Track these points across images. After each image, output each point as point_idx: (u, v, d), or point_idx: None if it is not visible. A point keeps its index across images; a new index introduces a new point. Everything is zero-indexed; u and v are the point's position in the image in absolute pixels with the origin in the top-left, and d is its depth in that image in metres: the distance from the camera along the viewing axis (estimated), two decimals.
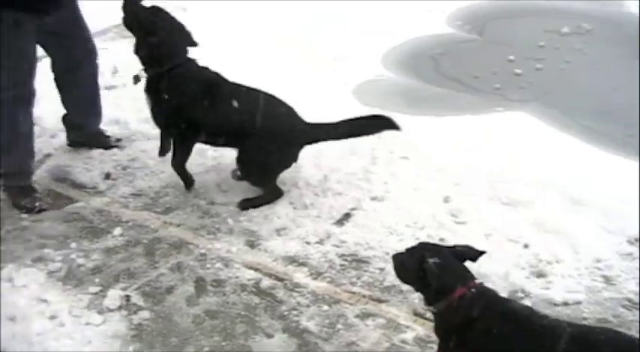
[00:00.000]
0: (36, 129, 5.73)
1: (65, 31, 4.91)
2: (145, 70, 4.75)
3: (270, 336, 3.69)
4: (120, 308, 3.89)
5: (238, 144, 4.71)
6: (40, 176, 5.17)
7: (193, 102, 4.66)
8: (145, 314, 3.85)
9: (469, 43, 7.69)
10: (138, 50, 4.74)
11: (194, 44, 4.76)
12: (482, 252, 3.09)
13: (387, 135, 5.05)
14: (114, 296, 3.95)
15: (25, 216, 4.74)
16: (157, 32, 4.62)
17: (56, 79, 5.21)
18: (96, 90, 5.38)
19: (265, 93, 4.74)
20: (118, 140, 5.53)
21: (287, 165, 4.78)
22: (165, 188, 4.99)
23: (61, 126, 5.55)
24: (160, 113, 4.82)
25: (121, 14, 4.71)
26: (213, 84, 4.71)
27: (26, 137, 4.85)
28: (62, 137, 5.64)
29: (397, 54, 7.16)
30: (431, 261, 2.95)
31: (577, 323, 3.24)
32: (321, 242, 4.39)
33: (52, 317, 3.80)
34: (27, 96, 4.73)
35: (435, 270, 2.94)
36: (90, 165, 5.24)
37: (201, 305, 3.91)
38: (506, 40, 7.62)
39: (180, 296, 3.95)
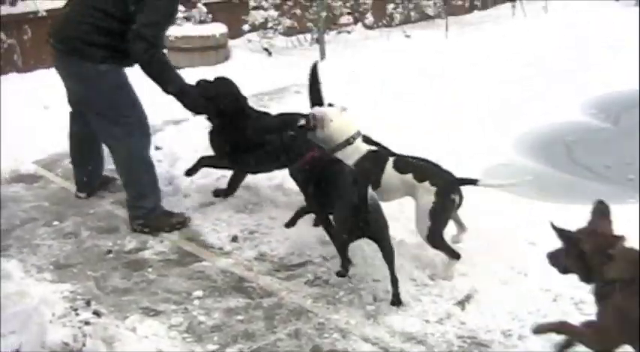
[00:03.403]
0: (169, 188, 6.00)
1: None
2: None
3: None
4: None
5: None
6: (169, 234, 5.36)
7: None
8: None
9: (603, 131, 7.57)
10: None
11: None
12: None
13: (514, 220, 4.99)
14: None
15: (150, 269, 4.91)
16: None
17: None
18: None
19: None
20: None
21: None
22: (290, 255, 5.04)
23: (194, 186, 5.76)
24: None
25: None
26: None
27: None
28: (195, 197, 5.87)
29: (529, 138, 7.11)
30: None
31: None
32: (440, 321, 4.33)
33: None
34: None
35: None
36: (218, 227, 5.40)
37: None
38: None
39: None
